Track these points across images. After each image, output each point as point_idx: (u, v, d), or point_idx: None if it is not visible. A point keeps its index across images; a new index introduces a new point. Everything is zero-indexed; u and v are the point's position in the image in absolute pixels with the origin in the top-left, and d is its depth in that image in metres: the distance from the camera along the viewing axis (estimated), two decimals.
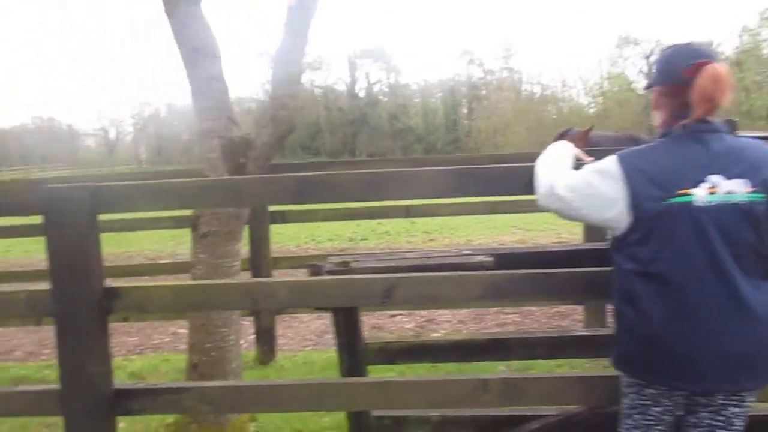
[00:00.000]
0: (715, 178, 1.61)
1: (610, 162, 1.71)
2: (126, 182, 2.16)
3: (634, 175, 1.65)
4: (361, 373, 2.31)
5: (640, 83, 44.78)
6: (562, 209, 1.78)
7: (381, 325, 5.61)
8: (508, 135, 44.68)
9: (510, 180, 1.98)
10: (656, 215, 1.62)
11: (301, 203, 2.11)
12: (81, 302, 2.06)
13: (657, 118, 1.81)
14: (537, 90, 50.00)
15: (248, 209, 3.26)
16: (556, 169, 1.86)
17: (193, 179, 2.11)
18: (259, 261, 4.26)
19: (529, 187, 1.92)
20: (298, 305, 2.19)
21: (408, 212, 4.40)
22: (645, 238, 1.64)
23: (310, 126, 41.02)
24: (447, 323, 5.53)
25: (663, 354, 1.66)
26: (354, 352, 2.27)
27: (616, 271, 1.76)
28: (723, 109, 1.67)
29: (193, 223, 3.09)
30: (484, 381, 2.06)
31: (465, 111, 50.11)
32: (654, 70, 1.84)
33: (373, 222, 12.37)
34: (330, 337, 5.55)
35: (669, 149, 1.68)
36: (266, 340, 4.40)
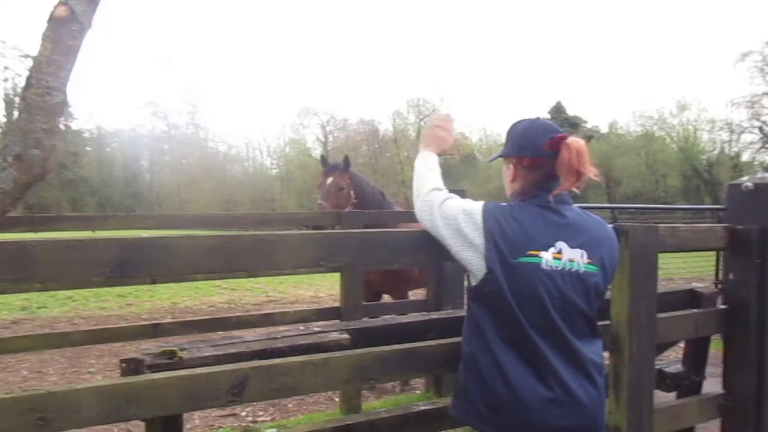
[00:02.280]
0: (560, 245, 1.69)
1: (477, 208, 1.73)
2: None
3: (493, 227, 1.67)
4: None
5: (317, 150, 48.87)
6: (433, 231, 1.79)
7: None
8: (193, 191, 43.61)
9: (390, 245, 1.79)
10: (507, 271, 1.64)
11: (122, 277, 1.54)
12: None
13: (513, 186, 1.85)
14: (223, 148, 50.31)
15: None
16: (436, 183, 1.87)
17: None
18: None
19: (407, 252, 1.79)
20: (113, 419, 1.55)
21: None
22: (497, 291, 1.65)
23: None
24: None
25: (515, 411, 1.65)
26: None
27: (471, 318, 1.75)
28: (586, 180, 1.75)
29: None
30: None
31: (146, 164, 47.38)
32: (508, 143, 1.87)
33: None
34: None
35: (526, 211, 1.72)
36: None
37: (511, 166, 1.84)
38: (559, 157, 1.71)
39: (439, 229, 1.76)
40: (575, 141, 1.72)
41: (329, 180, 5.13)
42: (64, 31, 2.23)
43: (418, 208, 1.85)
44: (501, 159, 1.92)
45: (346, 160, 5.26)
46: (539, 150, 1.76)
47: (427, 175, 1.90)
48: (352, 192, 5.11)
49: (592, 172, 1.72)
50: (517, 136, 1.84)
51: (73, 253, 1.48)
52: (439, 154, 2.00)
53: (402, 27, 77.62)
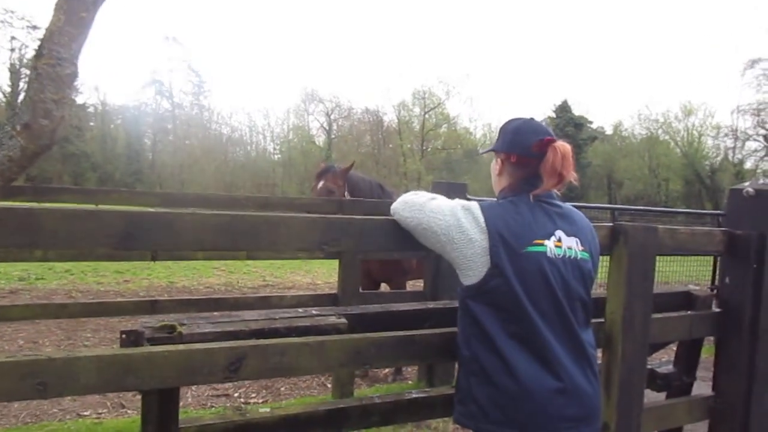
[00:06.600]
0: (559, 233, 1.74)
1: (474, 204, 1.75)
2: None
3: (496, 221, 1.69)
4: None
5: (321, 137, 48.75)
6: (424, 231, 1.76)
7: None
8: (195, 172, 43.58)
9: (393, 233, 1.82)
10: (515, 262, 1.65)
11: (126, 249, 1.57)
12: None
13: (500, 182, 1.89)
14: (226, 131, 50.16)
15: None
16: (415, 191, 1.90)
17: None
18: None
19: (409, 241, 1.82)
20: (111, 389, 1.58)
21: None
22: (504, 284, 1.65)
23: None
24: None
25: (525, 404, 1.64)
26: None
27: (469, 319, 1.73)
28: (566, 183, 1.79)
29: None
30: None
31: (149, 142, 47.31)
32: (500, 139, 1.90)
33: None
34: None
35: (524, 203, 1.76)
36: None
37: (499, 161, 1.89)
38: (545, 158, 1.75)
39: (431, 226, 1.74)
40: (562, 145, 1.77)
41: (320, 184, 5.12)
42: (78, 3, 2.24)
43: (398, 208, 1.85)
44: (492, 153, 1.94)
45: (350, 165, 5.32)
46: (528, 150, 1.80)
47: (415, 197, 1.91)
48: (346, 194, 5.10)
49: (572, 177, 1.77)
50: (508, 134, 1.88)
51: (79, 222, 1.50)
52: None
53: (410, 18, 77.21)
